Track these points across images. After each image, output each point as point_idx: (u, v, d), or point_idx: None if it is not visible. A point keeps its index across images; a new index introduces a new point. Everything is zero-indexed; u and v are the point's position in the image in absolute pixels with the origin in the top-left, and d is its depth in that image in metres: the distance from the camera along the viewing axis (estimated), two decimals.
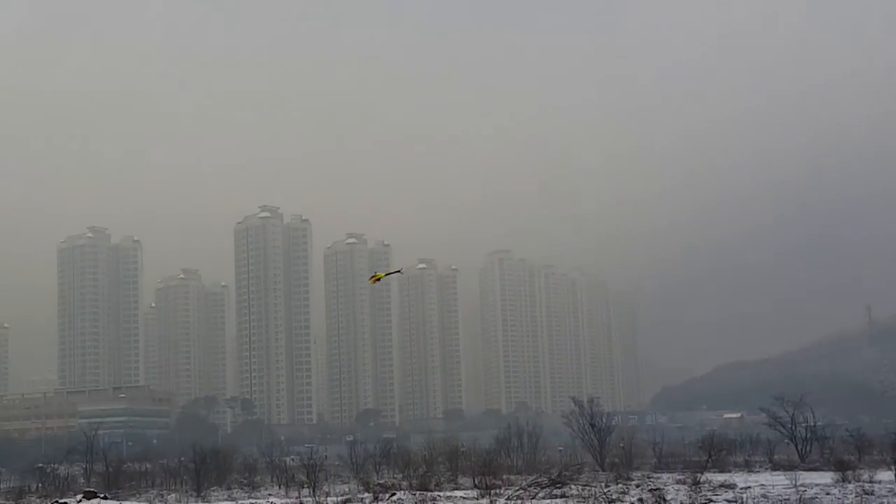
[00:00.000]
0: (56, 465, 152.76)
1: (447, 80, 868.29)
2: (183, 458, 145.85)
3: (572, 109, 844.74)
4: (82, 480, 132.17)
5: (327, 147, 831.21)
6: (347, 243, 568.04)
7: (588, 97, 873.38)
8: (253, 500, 78.13)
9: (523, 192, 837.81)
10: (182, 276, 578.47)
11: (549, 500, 68.42)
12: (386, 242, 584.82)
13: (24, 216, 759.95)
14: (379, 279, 67.27)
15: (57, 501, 75.85)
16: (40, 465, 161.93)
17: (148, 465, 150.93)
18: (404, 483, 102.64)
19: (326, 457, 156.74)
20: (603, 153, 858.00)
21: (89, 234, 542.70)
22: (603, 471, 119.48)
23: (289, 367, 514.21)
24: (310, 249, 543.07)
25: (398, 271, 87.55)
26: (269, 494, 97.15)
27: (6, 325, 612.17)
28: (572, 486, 79.72)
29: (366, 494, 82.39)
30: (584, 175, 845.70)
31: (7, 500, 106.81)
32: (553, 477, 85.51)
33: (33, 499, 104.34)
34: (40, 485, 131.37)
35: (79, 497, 74.21)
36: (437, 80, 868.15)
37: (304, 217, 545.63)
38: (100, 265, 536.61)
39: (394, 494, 78.14)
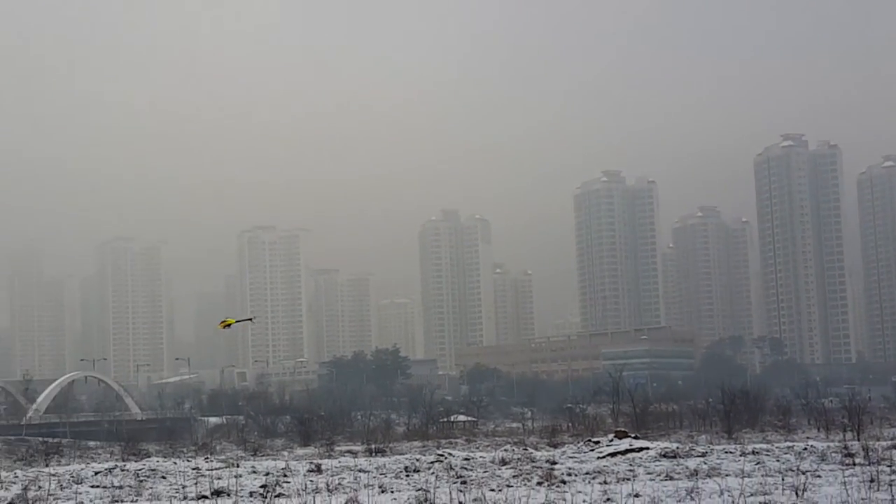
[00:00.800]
0: (584, 406, 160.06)
1: None
2: (710, 399, 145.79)
3: None
4: (610, 420, 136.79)
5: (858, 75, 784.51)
6: (884, 167, 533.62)
7: None
8: (790, 443, 75.18)
9: None
10: (700, 213, 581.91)
11: None
12: None
13: (540, 163, 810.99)
14: (229, 325, 63.86)
15: (590, 440, 78.74)
16: (569, 405, 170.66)
17: (674, 406, 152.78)
18: None
19: (870, 398, 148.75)
20: None
21: (604, 179, 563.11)
22: None
23: (821, 304, 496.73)
24: (840, 177, 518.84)
25: (250, 319, 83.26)
26: (808, 437, 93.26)
27: (529, 272, 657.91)
28: None
29: None
30: None
31: (541, 437, 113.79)
32: None
33: (565, 437, 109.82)
34: (570, 424, 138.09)
35: (610, 436, 76.37)
36: None
37: (832, 143, 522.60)
38: (615, 208, 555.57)
39: None
